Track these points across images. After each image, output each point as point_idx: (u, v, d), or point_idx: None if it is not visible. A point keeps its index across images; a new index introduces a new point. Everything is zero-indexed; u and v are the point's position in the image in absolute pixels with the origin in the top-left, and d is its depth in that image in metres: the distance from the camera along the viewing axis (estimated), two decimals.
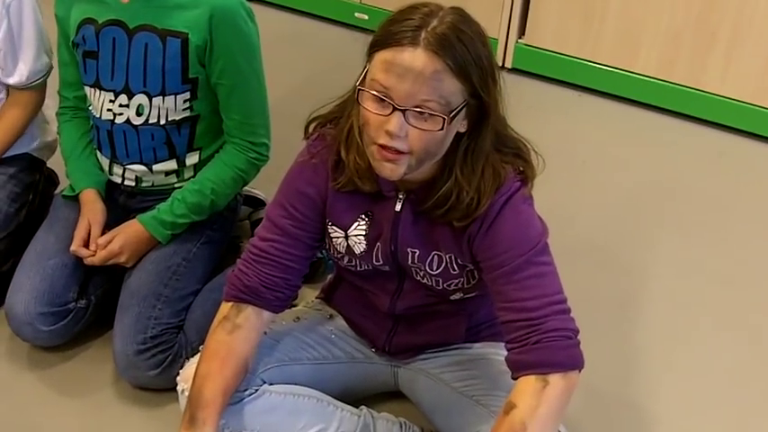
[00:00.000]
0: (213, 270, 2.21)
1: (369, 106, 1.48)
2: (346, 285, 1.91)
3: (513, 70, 3.35)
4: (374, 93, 1.46)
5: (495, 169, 1.57)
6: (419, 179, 1.59)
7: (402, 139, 1.47)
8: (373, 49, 1.48)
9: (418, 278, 1.73)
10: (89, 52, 2.07)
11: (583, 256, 2.52)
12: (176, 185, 2.18)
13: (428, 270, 1.69)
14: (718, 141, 3.10)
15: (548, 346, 1.53)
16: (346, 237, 1.71)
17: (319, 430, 1.79)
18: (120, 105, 2.08)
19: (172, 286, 2.07)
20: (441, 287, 1.72)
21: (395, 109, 1.45)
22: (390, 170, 1.51)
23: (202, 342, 1.74)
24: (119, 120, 2.10)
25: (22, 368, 2.14)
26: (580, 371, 1.57)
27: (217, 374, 1.65)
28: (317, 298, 2.02)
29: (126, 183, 2.19)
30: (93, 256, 2.07)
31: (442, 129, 1.46)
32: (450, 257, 1.67)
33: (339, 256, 1.76)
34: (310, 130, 1.70)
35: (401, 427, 1.90)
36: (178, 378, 1.78)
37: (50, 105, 2.34)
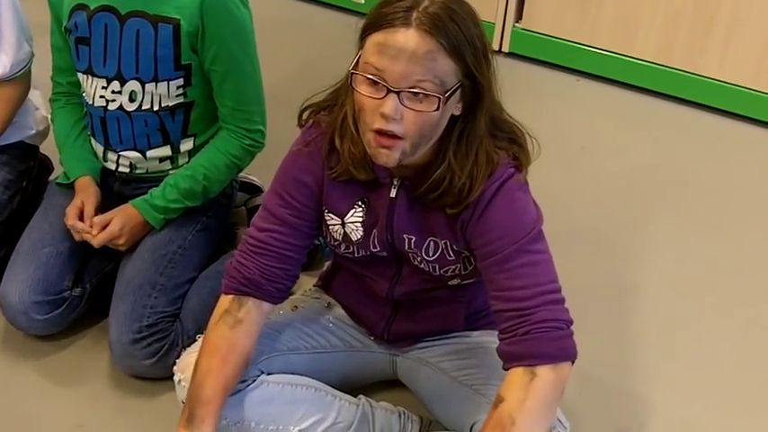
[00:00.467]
0: (209, 257, 2.20)
1: (363, 90, 1.47)
2: (344, 273, 1.90)
3: (510, 55, 3.33)
4: (368, 76, 1.45)
5: (488, 155, 1.56)
6: (414, 164, 1.58)
7: (397, 122, 1.46)
8: (365, 32, 1.47)
9: (416, 263, 1.72)
10: (81, 38, 2.05)
11: (579, 242, 2.52)
12: (171, 172, 2.16)
13: (424, 256, 1.68)
14: (716, 126, 3.09)
15: (537, 337, 1.52)
16: (343, 224, 1.70)
17: (318, 420, 1.78)
18: (113, 92, 2.07)
19: (167, 274, 2.06)
20: (438, 273, 1.71)
21: (389, 91, 1.44)
22: (386, 156, 1.50)
23: (199, 331, 1.73)
24: (112, 106, 2.08)
25: (16, 357, 2.13)
26: (573, 362, 1.56)
27: (218, 372, 1.64)
28: (314, 286, 2.01)
29: (120, 169, 2.18)
30: (90, 231, 2.04)
31: (437, 109, 1.45)
32: (445, 243, 1.66)
33: (336, 243, 1.75)
34: (304, 117, 1.68)
35: (400, 416, 1.89)
36: (175, 368, 1.76)
37: (44, 92, 2.31)
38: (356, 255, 1.75)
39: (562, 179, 2.73)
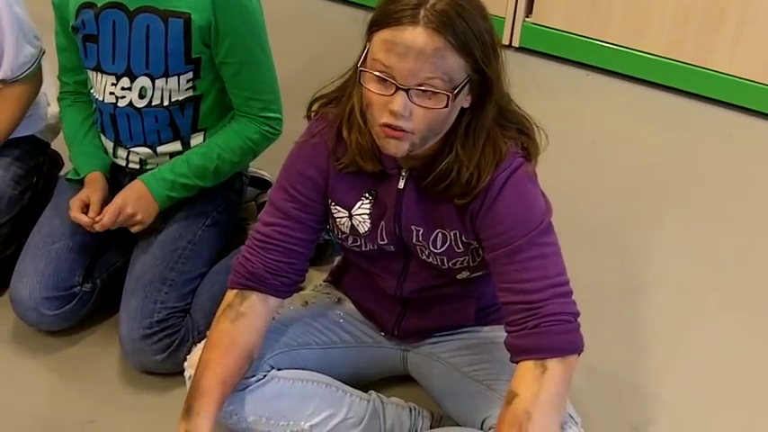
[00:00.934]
0: (219, 253, 2.20)
1: (371, 87, 1.47)
2: (353, 269, 1.90)
3: (521, 49, 3.32)
4: (376, 73, 1.45)
5: (495, 144, 1.55)
6: (421, 156, 1.57)
7: (406, 119, 1.45)
8: (372, 28, 1.47)
9: (423, 257, 1.71)
10: (89, 36, 2.05)
11: (589, 237, 2.51)
12: None
13: (432, 249, 1.68)
14: (729, 121, 3.07)
15: (546, 330, 1.53)
16: (350, 216, 1.70)
17: (328, 416, 1.78)
18: (123, 88, 2.06)
19: (178, 270, 2.06)
20: (446, 266, 1.70)
21: (398, 88, 1.44)
22: (395, 147, 1.49)
23: (209, 326, 1.73)
24: (121, 103, 2.08)
25: (27, 353, 2.13)
26: (579, 355, 1.56)
27: (216, 364, 1.64)
28: (324, 281, 2.01)
29: (130, 165, 2.17)
30: (93, 223, 2.02)
31: (446, 106, 1.45)
32: (454, 235, 1.65)
33: (343, 236, 1.74)
34: (313, 109, 1.68)
35: (410, 411, 1.89)
36: (186, 363, 1.76)
37: (55, 87, 2.32)
38: (363, 248, 1.75)
39: (572, 174, 2.72)
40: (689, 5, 3.02)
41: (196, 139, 2.14)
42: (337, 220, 1.71)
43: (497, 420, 1.54)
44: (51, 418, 2.00)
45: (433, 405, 1.92)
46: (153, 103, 2.07)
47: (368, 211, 1.68)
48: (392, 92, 1.44)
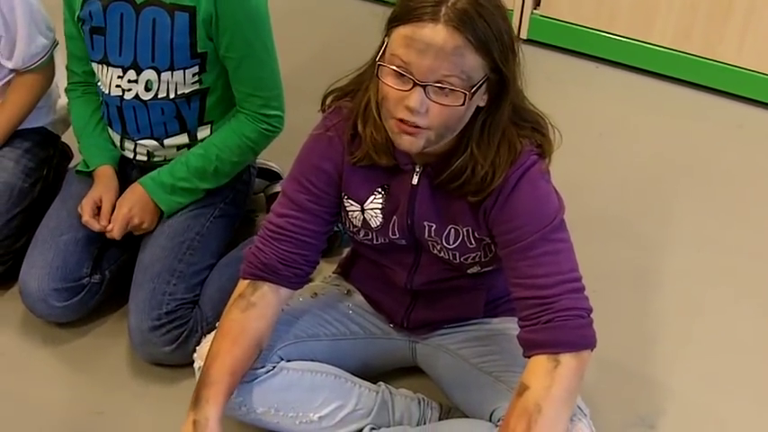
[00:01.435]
0: (228, 244, 2.20)
1: (389, 81, 1.47)
2: (363, 261, 1.90)
3: (529, 41, 3.32)
4: (394, 68, 1.45)
5: (510, 143, 1.56)
6: (436, 152, 1.58)
7: (422, 115, 1.46)
8: (392, 23, 1.47)
9: (435, 252, 1.71)
10: (96, 28, 2.05)
11: (598, 229, 2.50)
12: None
13: (444, 244, 1.68)
14: (738, 112, 3.06)
15: (560, 325, 1.53)
16: (362, 210, 1.70)
17: (337, 407, 1.79)
18: (129, 81, 2.06)
19: (186, 261, 2.06)
20: (458, 261, 1.70)
21: (415, 84, 1.44)
22: (410, 143, 1.49)
23: (218, 317, 1.73)
24: (128, 95, 2.08)
25: (36, 344, 2.14)
26: (592, 350, 1.56)
27: (226, 353, 1.64)
28: (334, 273, 2.01)
29: (138, 158, 2.18)
30: (104, 229, 2.05)
31: (463, 104, 1.45)
32: (467, 231, 1.65)
33: (355, 229, 1.74)
34: (327, 102, 1.68)
35: (419, 403, 1.89)
36: (195, 355, 1.77)
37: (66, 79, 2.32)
38: (375, 242, 1.75)
39: (580, 165, 2.72)
40: None
41: (203, 132, 2.14)
42: (349, 213, 1.72)
43: (507, 411, 1.54)
44: (61, 409, 2.01)
45: (442, 396, 1.92)
46: (159, 96, 2.07)
47: (380, 206, 1.69)
48: (409, 87, 1.45)
